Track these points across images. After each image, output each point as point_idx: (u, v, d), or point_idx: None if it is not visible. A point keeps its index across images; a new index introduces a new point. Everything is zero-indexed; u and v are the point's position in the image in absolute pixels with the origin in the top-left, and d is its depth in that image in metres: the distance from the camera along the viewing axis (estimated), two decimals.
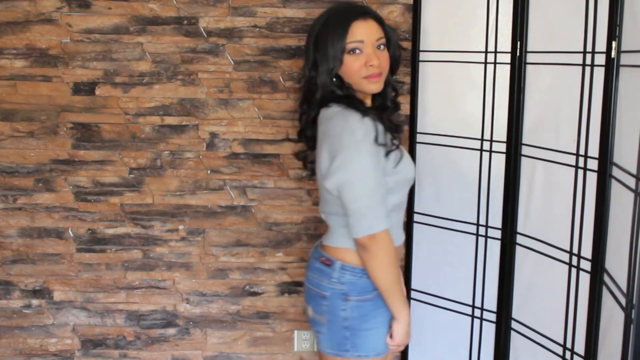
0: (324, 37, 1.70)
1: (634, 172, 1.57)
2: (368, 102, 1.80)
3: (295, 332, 2.58)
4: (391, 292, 1.68)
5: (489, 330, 2.25)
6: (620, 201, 1.70)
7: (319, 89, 1.73)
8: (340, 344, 1.76)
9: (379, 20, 1.74)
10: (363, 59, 1.69)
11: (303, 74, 1.79)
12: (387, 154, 1.66)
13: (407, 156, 1.75)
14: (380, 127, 1.65)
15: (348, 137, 1.61)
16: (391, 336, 1.73)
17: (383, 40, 1.73)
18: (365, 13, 1.71)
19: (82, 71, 2.40)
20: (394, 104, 1.84)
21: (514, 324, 2.18)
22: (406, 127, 2.34)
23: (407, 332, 1.72)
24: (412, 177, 1.76)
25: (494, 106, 2.14)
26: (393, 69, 1.82)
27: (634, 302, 1.53)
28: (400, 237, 1.80)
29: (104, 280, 2.54)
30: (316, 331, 1.81)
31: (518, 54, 2.05)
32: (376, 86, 1.73)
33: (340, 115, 1.67)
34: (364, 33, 1.69)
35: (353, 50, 1.69)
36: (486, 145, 2.18)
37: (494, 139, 2.16)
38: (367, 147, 1.60)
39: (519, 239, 2.13)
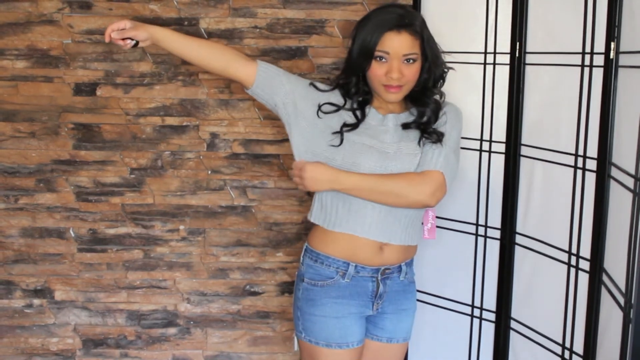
0: (360, 37, 1.77)
1: (633, 172, 1.57)
2: (391, 107, 1.87)
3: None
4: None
5: (489, 330, 2.26)
6: (619, 201, 1.71)
7: (344, 77, 1.84)
8: (296, 324, 1.89)
9: (417, 34, 1.75)
10: (386, 68, 1.75)
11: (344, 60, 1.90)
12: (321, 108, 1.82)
13: (355, 153, 1.77)
14: (335, 99, 1.83)
15: None
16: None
17: (413, 56, 1.75)
18: (402, 26, 1.73)
19: (83, 72, 2.41)
20: (437, 118, 1.88)
21: (513, 324, 2.19)
22: None
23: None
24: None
25: (493, 107, 2.15)
26: (434, 82, 1.85)
27: (632, 301, 1.54)
28: (349, 225, 1.81)
29: (105, 280, 2.55)
30: None
31: (517, 55, 2.06)
32: (393, 97, 1.79)
33: None
34: (392, 46, 1.73)
35: (379, 58, 1.75)
36: (485, 146, 2.18)
37: (493, 139, 2.16)
38: (304, 80, 1.86)
39: (518, 239, 2.13)
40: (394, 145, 1.81)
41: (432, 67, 1.81)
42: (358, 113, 1.81)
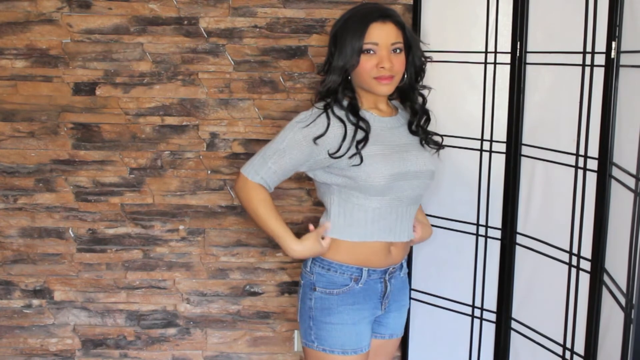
0: (343, 36, 1.75)
1: (634, 172, 1.57)
2: (382, 106, 1.85)
3: (296, 332, 2.59)
4: (268, 235, 1.84)
5: (489, 330, 2.26)
6: (620, 201, 1.70)
7: (325, 83, 1.78)
8: (306, 334, 1.84)
9: (400, 25, 1.77)
10: (375, 60, 1.74)
11: (322, 68, 1.84)
12: (334, 155, 1.73)
13: (374, 164, 1.73)
14: (339, 131, 1.73)
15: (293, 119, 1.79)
16: None
17: (399, 45, 1.76)
18: (385, 16, 1.75)
19: (82, 71, 2.41)
20: (425, 113, 1.89)
21: (513, 324, 2.18)
22: None
23: (304, 254, 1.81)
24: (376, 185, 1.74)
25: (494, 106, 2.15)
26: (416, 76, 1.86)
27: (633, 302, 1.54)
28: (367, 234, 1.80)
29: (105, 280, 2.54)
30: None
31: (518, 54, 2.05)
32: (386, 88, 1.77)
33: (310, 107, 1.80)
34: (380, 35, 1.73)
35: (367, 51, 1.73)
36: (486, 146, 2.18)
37: (494, 139, 2.16)
38: (295, 127, 1.75)
39: (519, 239, 2.13)
40: (403, 145, 1.82)
41: (415, 58, 1.82)
42: (362, 124, 1.75)
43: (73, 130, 2.44)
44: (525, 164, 2.09)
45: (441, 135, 1.95)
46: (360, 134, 1.74)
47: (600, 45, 1.79)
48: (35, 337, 2.58)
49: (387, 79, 1.75)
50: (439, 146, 1.93)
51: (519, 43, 2.05)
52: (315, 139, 1.72)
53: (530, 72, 2.04)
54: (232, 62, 2.41)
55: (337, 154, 1.72)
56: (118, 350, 2.59)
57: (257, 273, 2.55)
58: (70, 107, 2.43)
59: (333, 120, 1.74)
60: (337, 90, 1.77)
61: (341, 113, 1.76)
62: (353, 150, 1.73)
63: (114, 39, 2.39)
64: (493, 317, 2.24)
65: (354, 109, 1.77)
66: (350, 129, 1.74)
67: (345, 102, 1.78)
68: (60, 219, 2.50)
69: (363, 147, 1.73)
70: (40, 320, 2.57)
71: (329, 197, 1.82)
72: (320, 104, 1.77)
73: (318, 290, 1.81)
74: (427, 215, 2.33)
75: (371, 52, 1.73)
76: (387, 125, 1.82)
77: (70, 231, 2.51)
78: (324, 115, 1.74)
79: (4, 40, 2.38)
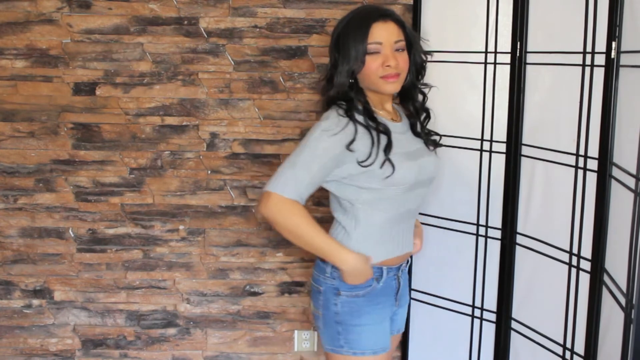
0: (346, 38, 1.74)
1: (634, 172, 1.57)
2: (388, 106, 1.85)
3: (296, 332, 2.59)
4: (312, 250, 1.75)
5: (489, 330, 2.26)
6: (620, 201, 1.70)
7: (334, 87, 1.77)
8: (334, 339, 1.80)
9: (400, 24, 1.78)
10: (381, 59, 1.73)
11: (325, 73, 1.83)
12: (364, 163, 1.70)
13: (403, 168, 1.73)
14: (366, 137, 1.70)
15: (317, 125, 1.72)
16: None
17: (402, 44, 1.77)
18: (386, 15, 1.75)
19: (82, 71, 2.41)
20: (425, 111, 1.90)
21: (513, 324, 2.18)
22: None
23: (357, 274, 1.74)
24: (406, 183, 1.74)
25: (494, 106, 2.15)
26: (418, 74, 1.86)
27: (633, 302, 1.54)
28: (390, 250, 1.81)
29: (105, 280, 2.54)
30: (317, 327, 1.87)
31: (518, 54, 2.05)
32: (393, 86, 1.77)
33: (331, 113, 1.74)
34: (382, 35, 1.73)
35: (372, 51, 1.73)
36: (486, 146, 2.18)
37: (494, 139, 2.16)
38: (323, 136, 1.68)
39: (519, 239, 2.13)
40: (417, 150, 1.82)
41: (416, 56, 1.82)
42: (382, 127, 1.74)
43: (73, 130, 2.44)
44: (525, 164, 2.09)
45: (439, 135, 1.94)
46: (383, 139, 1.73)
47: (600, 45, 1.79)
48: (35, 337, 2.58)
49: (394, 77, 1.75)
50: (436, 144, 1.92)
51: (519, 43, 2.05)
52: (348, 145, 1.69)
53: (530, 72, 2.04)
54: (232, 62, 2.41)
55: (368, 162, 1.70)
56: (118, 350, 2.59)
57: (257, 273, 2.55)
58: (70, 107, 2.43)
59: (359, 127, 1.72)
60: (348, 94, 1.76)
61: (361, 119, 1.74)
62: (381, 157, 1.71)
63: (114, 39, 2.39)
64: (493, 317, 2.24)
65: (369, 114, 1.76)
66: (376, 134, 1.73)
67: (359, 107, 1.77)
68: (60, 219, 2.50)
69: (389, 152, 1.72)
70: (40, 320, 2.57)
71: (352, 218, 1.79)
72: (342, 111, 1.74)
73: (343, 294, 1.78)
74: (427, 215, 2.33)
75: (376, 52, 1.74)
76: (399, 130, 1.82)
77: (70, 231, 2.51)
78: (351, 124, 1.71)
79: (4, 40, 2.38)
